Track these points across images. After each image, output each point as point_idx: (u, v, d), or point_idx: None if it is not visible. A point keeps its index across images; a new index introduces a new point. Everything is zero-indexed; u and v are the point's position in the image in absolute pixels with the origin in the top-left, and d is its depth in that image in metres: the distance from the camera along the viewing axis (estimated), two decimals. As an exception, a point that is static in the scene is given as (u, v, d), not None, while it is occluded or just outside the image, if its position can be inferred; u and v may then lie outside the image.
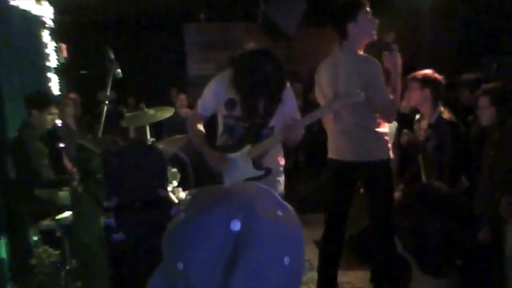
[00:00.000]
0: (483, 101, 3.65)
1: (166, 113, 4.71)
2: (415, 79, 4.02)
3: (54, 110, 4.45)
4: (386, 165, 3.52)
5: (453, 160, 3.81)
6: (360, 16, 3.34)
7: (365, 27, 3.37)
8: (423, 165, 4.08)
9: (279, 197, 0.90)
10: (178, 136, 4.94)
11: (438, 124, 3.93)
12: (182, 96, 6.83)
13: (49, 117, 4.37)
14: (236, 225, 0.80)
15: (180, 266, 0.80)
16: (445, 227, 1.59)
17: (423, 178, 4.05)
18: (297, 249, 0.85)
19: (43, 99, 4.47)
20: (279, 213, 0.85)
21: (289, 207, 0.90)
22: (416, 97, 4.02)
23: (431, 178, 3.91)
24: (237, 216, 0.81)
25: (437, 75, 4.02)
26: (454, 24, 7.40)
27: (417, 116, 4.23)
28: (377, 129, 3.50)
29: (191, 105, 6.63)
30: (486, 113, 3.65)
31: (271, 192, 0.91)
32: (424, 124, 4.07)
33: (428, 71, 4.04)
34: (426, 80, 3.96)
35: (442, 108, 3.99)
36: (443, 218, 1.60)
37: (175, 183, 3.87)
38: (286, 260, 0.81)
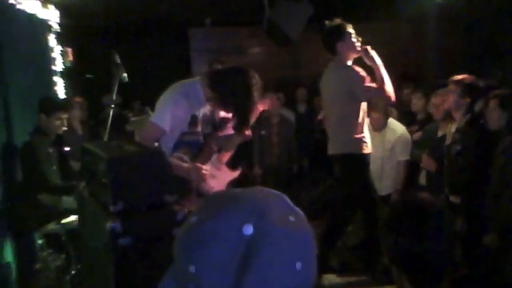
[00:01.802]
0: (492, 105, 3.65)
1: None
2: (457, 83, 3.90)
3: (63, 115, 4.43)
4: (354, 158, 4.21)
5: (475, 166, 3.73)
6: (346, 36, 4.12)
7: (351, 44, 4.13)
8: (446, 170, 4.00)
9: (290, 202, 0.90)
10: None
11: (466, 129, 3.86)
12: None
13: (57, 122, 4.36)
14: (248, 229, 0.79)
15: (192, 269, 0.80)
16: (436, 242, 1.56)
17: (446, 183, 3.98)
18: (309, 254, 0.85)
19: (50, 103, 4.46)
20: (291, 218, 0.85)
21: (301, 212, 0.89)
22: (454, 102, 3.92)
23: (452, 182, 3.86)
24: (250, 220, 0.80)
25: (478, 83, 3.95)
26: (458, 31, 7.39)
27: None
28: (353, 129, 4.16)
29: None
30: (494, 116, 3.65)
31: (283, 197, 0.90)
32: (451, 129, 4.04)
33: (470, 78, 3.92)
34: (469, 89, 3.86)
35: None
36: (433, 232, 1.57)
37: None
38: (298, 266, 0.81)
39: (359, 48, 4.14)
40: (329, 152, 4.39)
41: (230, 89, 2.96)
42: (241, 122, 3.04)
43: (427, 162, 4.25)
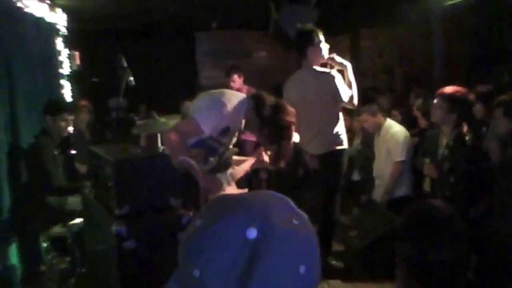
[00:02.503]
0: (497, 113, 3.61)
1: (177, 121, 4.70)
2: (443, 98, 3.75)
3: (69, 117, 4.46)
4: (340, 153, 4.48)
5: (464, 186, 3.68)
6: (316, 43, 4.34)
7: (320, 50, 4.36)
8: (438, 184, 3.96)
9: (294, 205, 0.90)
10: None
11: (454, 146, 3.75)
12: (188, 103, 6.82)
13: (63, 124, 4.39)
14: (252, 233, 0.79)
15: (196, 273, 0.79)
16: (450, 251, 1.54)
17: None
18: (312, 257, 0.85)
19: (56, 105, 4.50)
20: (295, 221, 0.85)
21: (304, 215, 0.89)
22: (440, 116, 3.81)
23: (445, 198, 3.82)
24: (254, 223, 0.80)
25: (468, 95, 3.81)
26: (465, 34, 7.37)
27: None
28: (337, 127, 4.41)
29: None
30: (500, 125, 3.60)
31: (286, 201, 0.90)
32: (443, 141, 3.93)
33: (458, 90, 3.76)
34: (455, 103, 3.71)
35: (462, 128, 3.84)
36: (447, 241, 1.55)
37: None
38: (302, 269, 0.81)
39: (327, 55, 4.40)
40: (316, 152, 4.55)
41: (274, 126, 3.06)
42: (278, 157, 3.16)
43: (429, 169, 4.19)
